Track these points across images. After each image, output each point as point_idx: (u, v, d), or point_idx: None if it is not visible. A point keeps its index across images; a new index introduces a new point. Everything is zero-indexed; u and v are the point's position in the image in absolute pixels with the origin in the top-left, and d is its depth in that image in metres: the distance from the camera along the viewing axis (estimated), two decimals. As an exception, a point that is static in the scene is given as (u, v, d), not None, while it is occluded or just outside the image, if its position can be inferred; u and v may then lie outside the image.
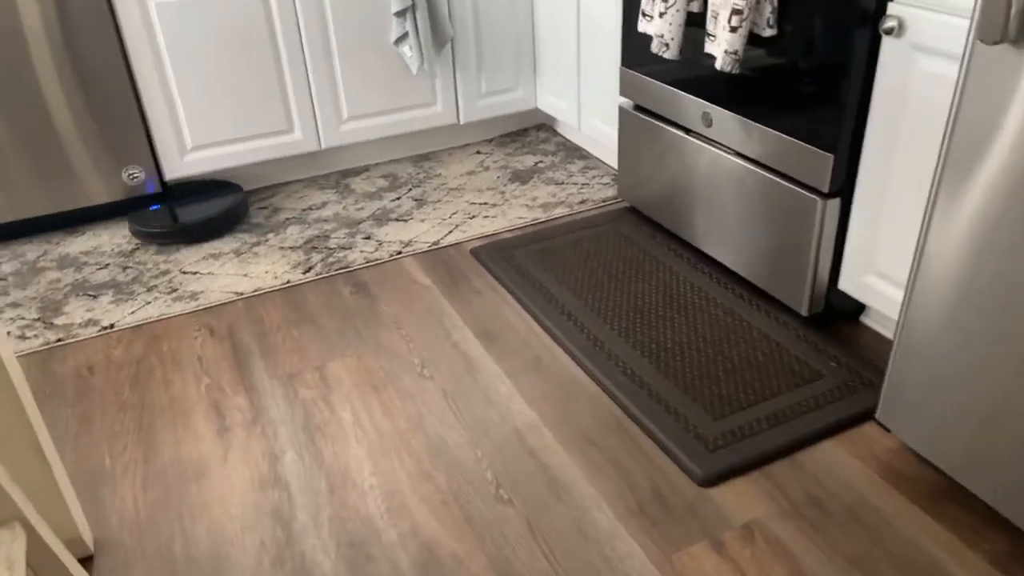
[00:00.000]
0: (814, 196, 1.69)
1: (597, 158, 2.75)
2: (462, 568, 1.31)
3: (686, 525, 1.37)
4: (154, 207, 2.40)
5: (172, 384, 1.77)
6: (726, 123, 1.87)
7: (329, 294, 2.07)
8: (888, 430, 1.44)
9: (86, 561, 1.35)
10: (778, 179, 1.77)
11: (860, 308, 1.86)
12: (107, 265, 2.25)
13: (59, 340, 1.94)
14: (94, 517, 1.45)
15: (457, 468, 1.51)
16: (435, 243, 2.27)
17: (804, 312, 1.81)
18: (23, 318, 2.03)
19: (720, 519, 1.37)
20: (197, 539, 1.39)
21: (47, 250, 2.35)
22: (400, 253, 2.23)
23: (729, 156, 1.89)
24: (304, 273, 2.16)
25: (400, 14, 2.48)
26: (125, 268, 2.23)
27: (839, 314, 1.87)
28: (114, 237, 2.39)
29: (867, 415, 1.58)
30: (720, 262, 2.04)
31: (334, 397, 1.70)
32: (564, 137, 2.93)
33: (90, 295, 2.11)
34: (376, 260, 2.20)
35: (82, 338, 1.94)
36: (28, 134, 2.23)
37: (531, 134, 2.97)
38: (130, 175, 2.39)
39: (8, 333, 1.96)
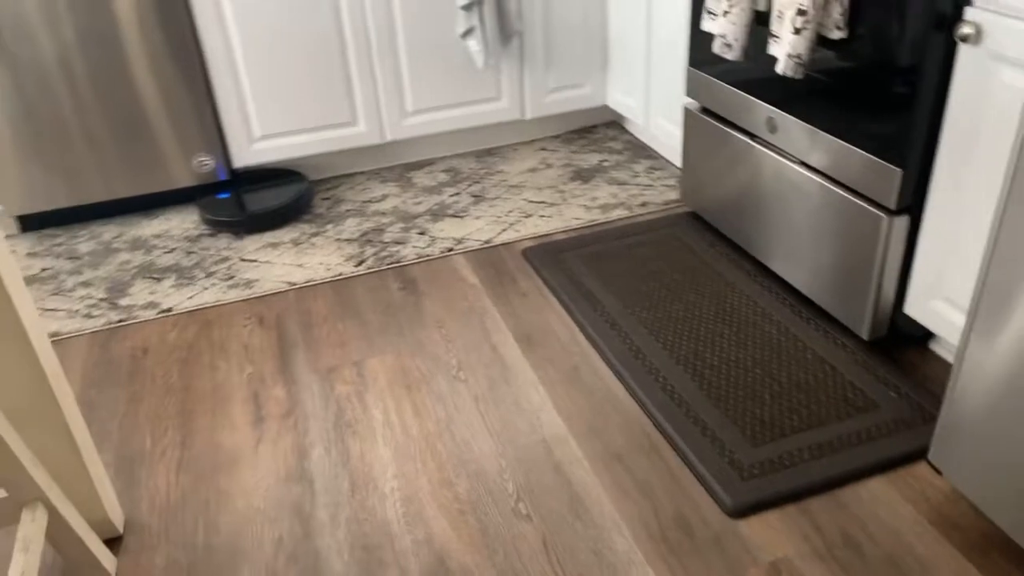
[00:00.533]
0: (880, 212, 1.57)
1: (664, 158, 2.66)
2: (471, 582, 1.29)
3: (708, 557, 1.30)
4: (222, 195, 2.47)
5: (217, 370, 1.82)
6: (791, 130, 1.76)
7: (378, 289, 2.07)
8: (940, 472, 1.32)
9: (115, 541, 1.40)
10: (843, 192, 1.65)
11: (929, 334, 1.72)
12: (173, 249, 2.33)
13: (120, 321, 2.01)
14: (129, 498, 1.50)
15: (479, 477, 1.48)
16: (487, 241, 2.24)
17: (865, 335, 1.70)
18: (91, 297, 2.12)
19: (745, 554, 1.30)
20: (219, 529, 1.42)
21: (122, 232, 2.45)
22: (451, 250, 2.22)
23: (793, 165, 1.78)
24: (356, 266, 2.18)
25: (467, 7, 2.45)
26: (189, 253, 2.30)
27: (905, 340, 1.74)
28: (184, 222, 2.47)
29: (923, 453, 1.46)
30: (781, 276, 1.93)
31: (368, 395, 1.71)
32: (632, 135, 2.85)
33: (154, 278, 2.19)
34: (427, 256, 2.20)
35: (141, 320, 2.01)
36: (112, 121, 2.32)
37: (599, 131, 2.90)
38: (200, 162, 2.46)
39: (76, 311, 2.06)
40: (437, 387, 1.71)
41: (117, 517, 1.40)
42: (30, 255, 2.34)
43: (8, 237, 2.44)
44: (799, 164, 1.77)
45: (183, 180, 2.47)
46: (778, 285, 1.95)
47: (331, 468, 1.53)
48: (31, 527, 1.12)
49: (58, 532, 1.20)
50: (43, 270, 2.26)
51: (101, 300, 2.11)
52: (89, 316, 2.04)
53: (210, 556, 1.37)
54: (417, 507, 1.43)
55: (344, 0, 2.37)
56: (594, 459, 1.50)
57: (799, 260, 1.84)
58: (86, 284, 2.18)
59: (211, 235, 2.37)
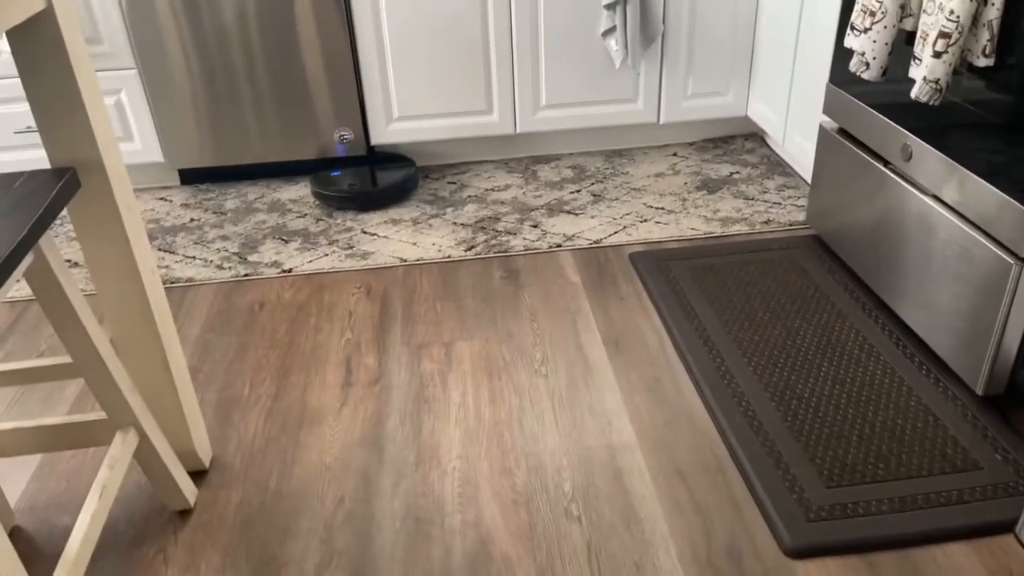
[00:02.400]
0: (1009, 259, 1.43)
1: (800, 176, 2.54)
2: (508, 571, 1.30)
3: (752, 593, 1.25)
4: (335, 172, 2.59)
5: (320, 332, 1.93)
6: (926, 159, 1.64)
7: (481, 275, 2.12)
8: (1027, 551, 1.20)
9: (200, 474, 1.53)
10: (973, 231, 1.52)
11: (1056, 399, 1.56)
12: (305, 215, 2.48)
13: (246, 275, 2.18)
14: (221, 436, 1.63)
15: (538, 472, 1.49)
16: (596, 241, 2.24)
17: (979, 390, 1.56)
18: (227, 251, 2.31)
19: (794, 597, 1.24)
20: (291, 479, 1.52)
21: (264, 193, 2.64)
22: (560, 246, 2.23)
23: (924, 197, 1.66)
24: (466, 251, 2.24)
25: (610, 7, 2.45)
26: (318, 220, 2.45)
27: (1027, 400, 1.58)
28: (319, 190, 2.63)
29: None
30: (899, 315, 1.81)
31: (451, 375, 1.76)
32: (771, 150, 2.73)
33: (283, 240, 2.35)
34: (535, 249, 2.22)
35: (264, 276, 2.17)
36: (271, 89, 2.51)
37: (737, 142, 2.81)
38: (341, 136, 2.61)
39: (210, 261, 2.25)
40: (517, 377, 1.74)
41: (205, 452, 1.53)
42: (183, 206, 2.57)
43: (167, 188, 2.69)
44: (930, 197, 1.65)
45: (327, 151, 2.63)
46: (894, 323, 1.82)
47: (402, 439, 1.59)
48: (120, 449, 1.25)
49: (147, 457, 1.33)
50: (191, 220, 2.48)
51: (234, 254, 2.29)
52: (221, 267, 2.22)
53: (278, 502, 1.47)
54: (473, 490, 1.46)
55: (490, -8, 2.43)
56: (656, 471, 1.48)
57: (919, 299, 1.71)
58: (224, 238, 2.37)
59: (336, 207, 2.51)
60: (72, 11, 1.11)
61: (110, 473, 1.20)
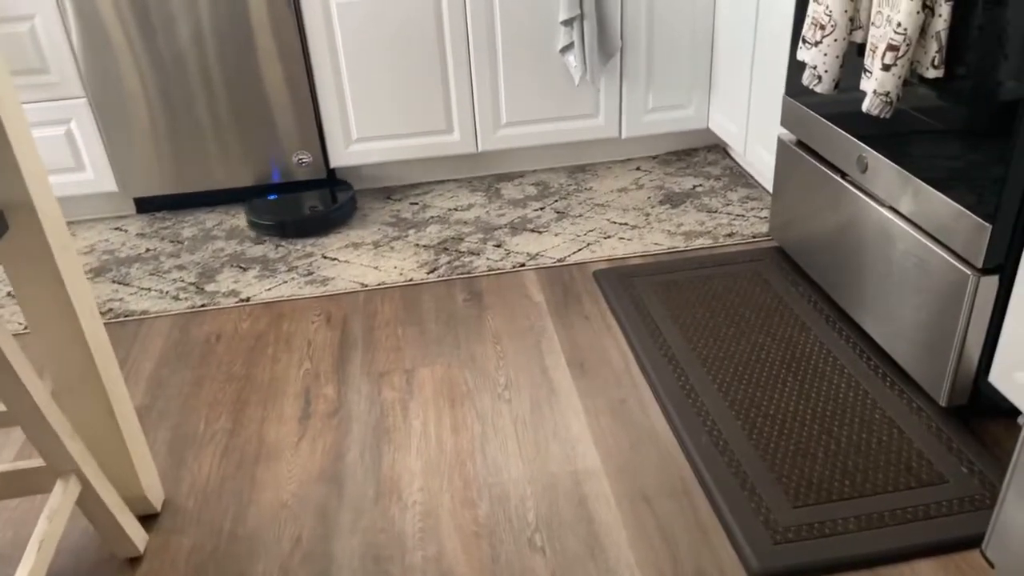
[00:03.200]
0: (966, 269, 1.43)
1: (763, 188, 2.54)
2: (470, 609, 1.27)
3: (720, 621, 1.22)
4: (271, 196, 2.55)
5: (278, 363, 1.88)
6: (881, 170, 1.63)
7: (444, 298, 2.09)
8: (992, 566, 1.18)
9: (151, 518, 1.48)
10: (929, 243, 1.52)
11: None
12: (264, 241, 2.44)
13: (203, 305, 2.13)
14: (174, 477, 1.57)
15: (501, 502, 1.46)
16: (560, 260, 2.21)
17: (943, 401, 1.55)
18: (182, 280, 2.26)
19: (762, 624, 1.21)
20: (247, 519, 1.47)
21: (223, 220, 2.59)
22: (523, 265, 2.20)
23: (881, 208, 1.65)
24: (428, 273, 2.20)
25: (567, 23, 2.43)
26: (278, 246, 2.41)
27: (991, 411, 1.57)
28: (279, 215, 2.58)
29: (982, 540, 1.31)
30: (862, 327, 1.80)
31: (412, 403, 1.72)
32: (734, 162, 2.73)
33: (242, 267, 2.31)
34: (498, 269, 2.19)
35: (221, 307, 2.12)
36: (226, 116, 2.46)
37: (699, 155, 2.80)
38: (299, 160, 2.57)
39: (166, 292, 2.19)
40: (480, 404, 1.71)
41: (155, 495, 1.48)
42: (139, 235, 2.51)
43: (123, 217, 2.63)
44: (887, 208, 1.64)
45: (286, 175, 2.59)
46: (858, 336, 1.81)
47: (362, 473, 1.55)
48: (61, 498, 1.20)
49: (90, 504, 1.28)
50: (147, 250, 2.42)
51: (190, 284, 2.24)
52: (177, 298, 2.17)
53: (233, 544, 1.42)
54: (434, 523, 1.42)
55: (446, 11, 2.41)
56: (621, 497, 1.45)
57: (881, 311, 1.70)
58: (181, 267, 2.32)
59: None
60: (-7, 47, 1.07)
61: (49, 525, 1.15)
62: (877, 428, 1.55)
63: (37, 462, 1.27)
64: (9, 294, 2.25)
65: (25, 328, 2.08)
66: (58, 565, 1.39)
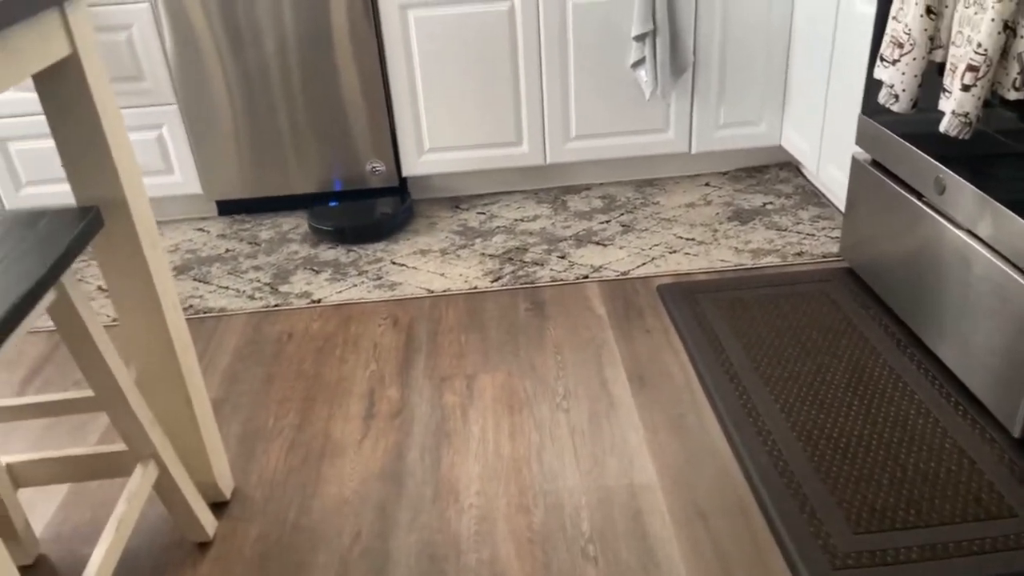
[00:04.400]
0: (1047, 297, 1.38)
1: (835, 207, 2.49)
2: (522, 613, 1.28)
3: (772, 643, 1.21)
4: (333, 203, 2.62)
5: (345, 364, 1.94)
6: (960, 193, 1.59)
7: (507, 307, 2.12)
8: (1065, 607, 1.14)
9: (221, 505, 1.54)
10: (1008, 268, 1.47)
11: (1101, 443, 1.49)
12: (337, 246, 2.52)
13: (276, 305, 2.21)
14: (243, 468, 1.64)
15: (556, 510, 1.47)
16: (624, 273, 2.22)
17: (1016, 432, 1.50)
18: (258, 281, 2.35)
19: (816, 649, 1.19)
20: (310, 512, 1.52)
21: (299, 224, 2.68)
22: (587, 277, 2.22)
23: (958, 232, 1.61)
24: (492, 282, 2.24)
25: (640, 38, 2.45)
26: (350, 251, 2.48)
27: (1070, 444, 1.51)
28: (351, 221, 2.66)
29: (1059, 579, 1.26)
30: (935, 353, 1.75)
31: (472, 409, 1.75)
32: (806, 180, 2.69)
33: (314, 270, 2.39)
34: (561, 281, 2.21)
35: (293, 307, 2.20)
36: (306, 123, 2.56)
37: (771, 172, 2.77)
38: (373, 168, 2.65)
39: (242, 292, 2.29)
40: (538, 412, 1.72)
41: (226, 484, 1.55)
42: (220, 236, 2.63)
43: (205, 219, 2.75)
44: (965, 231, 1.60)
45: (358, 182, 2.67)
46: (930, 361, 1.76)
47: (421, 473, 1.59)
48: (140, 481, 1.27)
49: (166, 489, 1.35)
50: (227, 251, 2.53)
51: (265, 284, 2.32)
52: (252, 298, 2.26)
53: (296, 535, 1.47)
54: (490, 527, 1.45)
55: (520, 24, 2.45)
56: (677, 513, 1.44)
57: (955, 336, 1.65)
58: (257, 268, 2.42)
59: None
60: (97, 55, 1.15)
61: (127, 507, 1.22)
62: (946, 457, 1.51)
63: (119, 446, 1.35)
64: (99, 288, 2.39)
65: (113, 320, 2.20)
66: (133, 545, 1.47)
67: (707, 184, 2.73)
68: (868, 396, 1.68)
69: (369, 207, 2.59)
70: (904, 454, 1.52)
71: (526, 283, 2.22)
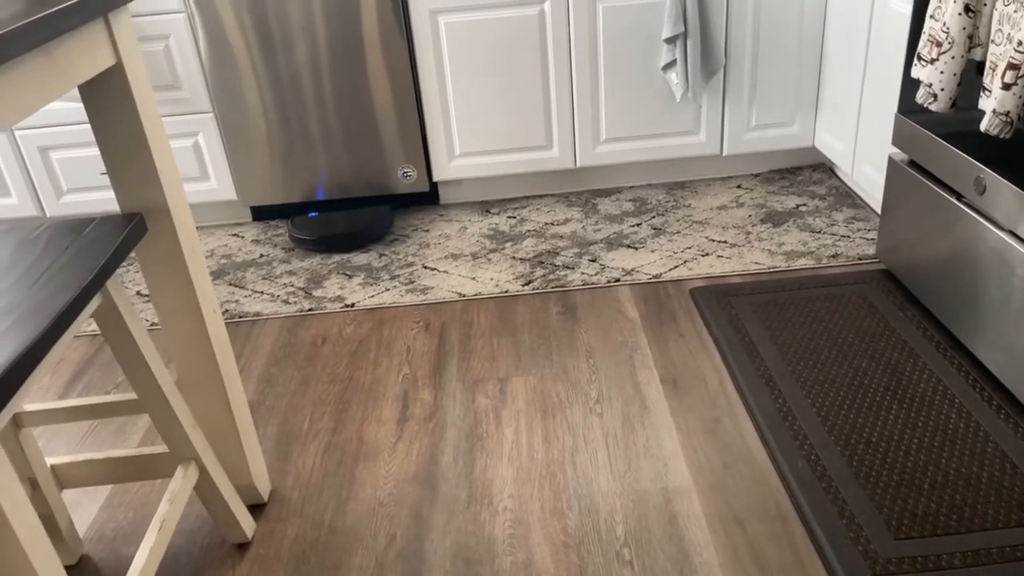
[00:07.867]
0: (1093, 298, 1.35)
1: (871, 208, 2.46)
2: (557, 617, 1.28)
3: (812, 649, 1.19)
4: (312, 214, 2.64)
5: (379, 367, 1.96)
6: (1001, 193, 1.57)
7: (538, 310, 2.12)
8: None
9: (259, 507, 1.56)
10: (1052, 269, 1.44)
11: None
12: (370, 250, 2.54)
13: (310, 310, 2.24)
14: (280, 470, 1.66)
15: (591, 514, 1.47)
16: (656, 276, 2.21)
17: (1063, 437, 1.47)
18: (292, 285, 2.38)
19: (857, 656, 1.18)
20: (346, 514, 1.53)
21: (331, 229, 2.71)
22: (618, 281, 2.21)
23: (999, 232, 1.58)
24: (523, 285, 2.24)
25: (671, 40, 2.44)
26: (382, 255, 2.50)
27: (1118, 449, 1.47)
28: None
29: (1108, 587, 1.23)
30: (975, 355, 1.72)
31: (505, 412, 1.76)
32: (840, 181, 2.66)
33: (347, 275, 2.41)
34: (593, 284, 2.21)
35: (327, 311, 2.22)
36: (339, 129, 2.59)
37: (804, 173, 2.74)
38: (404, 173, 2.66)
39: (277, 296, 2.32)
40: (571, 416, 1.72)
41: (264, 486, 1.57)
42: (254, 242, 2.66)
43: (240, 224, 2.79)
44: (1006, 232, 1.57)
45: (388, 188, 2.69)
46: (970, 364, 1.73)
47: (455, 476, 1.59)
48: (181, 482, 1.29)
49: (206, 490, 1.37)
50: (261, 256, 2.57)
51: (299, 289, 2.35)
52: (287, 302, 2.29)
53: (332, 537, 1.48)
54: (524, 530, 1.45)
55: (549, 29, 2.46)
56: (713, 518, 1.44)
57: (997, 339, 1.62)
58: (291, 273, 2.44)
59: (404, 240, 2.55)
60: (141, 65, 1.18)
61: (169, 507, 1.24)
62: (989, 462, 1.48)
63: (161, 448, 1.37)
64: (138, 292, 2.43)
65: (154, 324, 2.24)
66: (175, 545, 1.49)
67: (739, 186, 2.71)
68: (907, 399, 1.66)
69: (352, 217, 2.61)
70: (945, 458, 1.50)
71: (557, 287, 2.22)
